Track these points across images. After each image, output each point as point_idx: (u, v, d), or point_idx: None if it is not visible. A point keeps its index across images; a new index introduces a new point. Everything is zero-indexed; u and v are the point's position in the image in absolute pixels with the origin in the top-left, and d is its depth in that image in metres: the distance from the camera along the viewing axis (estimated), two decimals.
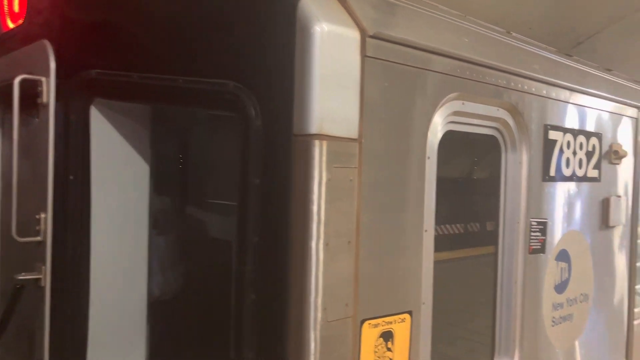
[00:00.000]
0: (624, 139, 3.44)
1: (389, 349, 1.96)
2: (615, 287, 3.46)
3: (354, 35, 1.81)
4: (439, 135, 2.22)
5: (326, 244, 1.74)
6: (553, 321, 2.87)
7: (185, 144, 2.83)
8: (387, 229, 1.97)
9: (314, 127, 1.72)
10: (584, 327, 3.14)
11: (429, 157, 2.13)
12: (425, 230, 2.13)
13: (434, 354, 2.22)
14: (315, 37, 1.70)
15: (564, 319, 2.96)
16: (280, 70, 1.76)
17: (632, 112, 3.53)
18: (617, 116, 3.36)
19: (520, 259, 2.64)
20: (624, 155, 3.35)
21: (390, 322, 1.96)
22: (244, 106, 1.81)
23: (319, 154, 1.72)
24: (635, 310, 3.79)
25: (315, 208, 1.72)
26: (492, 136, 2.56)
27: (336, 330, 1.79)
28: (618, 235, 3.45)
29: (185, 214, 2.83)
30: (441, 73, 2.16)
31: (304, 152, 1.73)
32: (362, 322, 1.87)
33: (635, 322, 3.81)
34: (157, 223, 2.59)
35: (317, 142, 1.72)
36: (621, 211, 3.40)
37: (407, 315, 2.03)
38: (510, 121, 2.55)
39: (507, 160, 2.63)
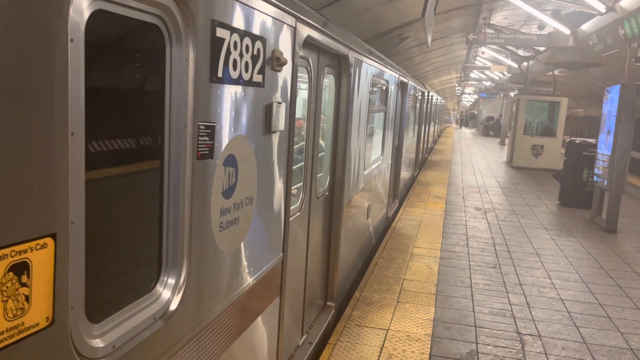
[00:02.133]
0: (284, 46, 3.56)
1: (23, 284, 1.53)
2: (275, 189, 3.70)
3: None
4: (86, 13, 1.76)
5: None
6: (221, 226, 2.86)
7: None
8: (9, 130, 1.46)
9: None
10: (248, 228, 3.25)
11: (72, 40, 1.67)
12: (72, 134, 1.70)
13: (91, 276, 1.89)
14: None
15: (231, 223, 2.99)
16: None
17: (291, 20, 3.66)
18: (279, 23, 3.42)
19: (188, 165, 2.47)
20: (285, 62, 3.48)
21: (25, 251, 1.52)
22: None
23: None
24: (291, 208, 4.19)
25: None
26: (154, 25, 2.22)
27: None
28: (278, 140, 3.64)
29: None
30: None
31: None
32: None
33: (290, 219, 4.23)
34: None
35: None
36: (281, 117, 3.58)
37: (49, 240, 1.61)
38: (175, 10, 2.24)
39: (172, 55, 2.34)
